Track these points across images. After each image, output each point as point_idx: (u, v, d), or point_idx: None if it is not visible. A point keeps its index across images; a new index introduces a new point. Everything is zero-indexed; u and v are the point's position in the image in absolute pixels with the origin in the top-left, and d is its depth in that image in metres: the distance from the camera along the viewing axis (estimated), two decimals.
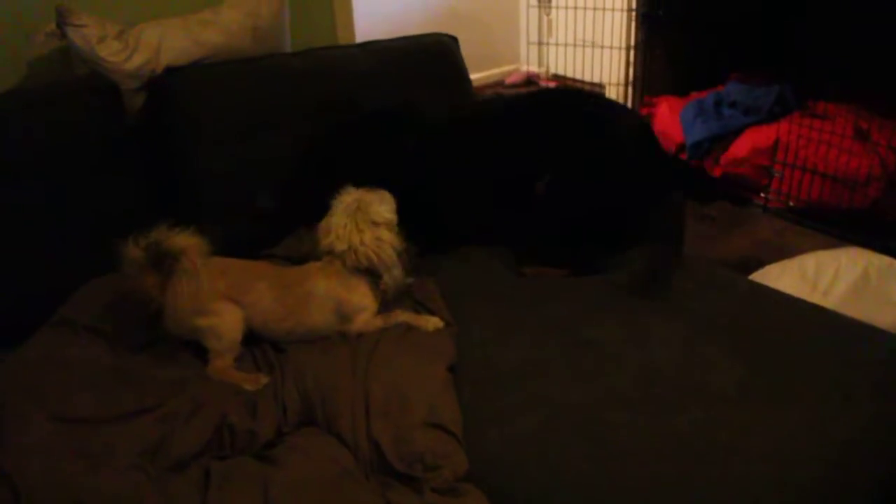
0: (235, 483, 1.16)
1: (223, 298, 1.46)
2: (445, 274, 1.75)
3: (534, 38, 3.93)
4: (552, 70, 4.82)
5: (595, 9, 3.52)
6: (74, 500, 1.13)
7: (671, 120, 3.44)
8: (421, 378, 1.36)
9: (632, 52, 3.51)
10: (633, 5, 3.39)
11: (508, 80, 5.08)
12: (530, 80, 5.02)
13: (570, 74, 4.34)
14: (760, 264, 2.39)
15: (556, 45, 3.77)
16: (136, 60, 1.90)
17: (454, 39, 2.37)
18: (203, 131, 1.89)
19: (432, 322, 1.53)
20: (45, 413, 1.30)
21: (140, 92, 1.93)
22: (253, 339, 1.51)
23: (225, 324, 1.45)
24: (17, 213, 1.67)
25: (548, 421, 1.29)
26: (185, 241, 1.40)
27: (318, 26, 2.43)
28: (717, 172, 3.21)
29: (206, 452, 1.24)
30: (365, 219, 1.53)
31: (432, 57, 2.28)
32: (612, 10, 3.45)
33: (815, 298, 1.83)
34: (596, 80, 3.88)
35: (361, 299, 1.53)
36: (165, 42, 1.93)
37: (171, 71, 1.93)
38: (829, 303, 1.97)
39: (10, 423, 1.28)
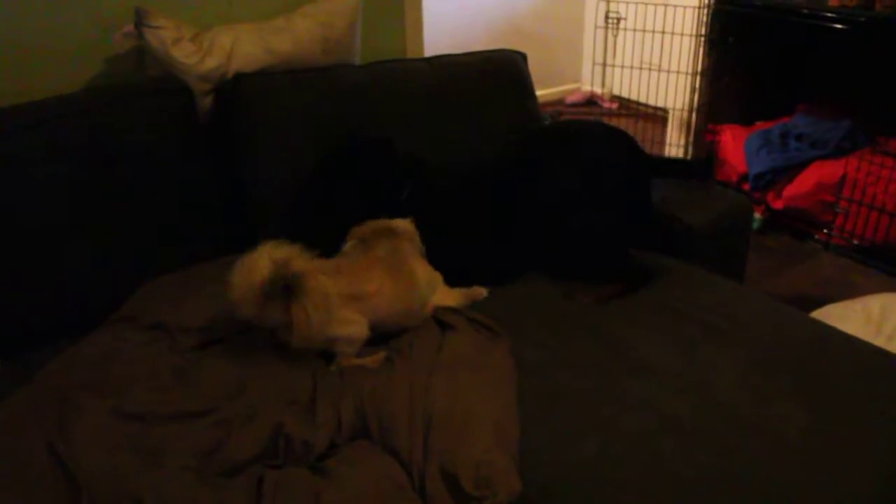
0: (288, 493, 1.16)
1: (347, 303, 1.48)
2: (492, 294, 1.75)
3: (598, 58, 3.90)
4: (614, 91, 4.80)
5: (664, 32, 3.49)
6: (131, 495, 1.15)
7: (734, 149, 3.40)
8: (484, 397, 1.35)
9: (698, 78, 3.46)
10: (704, 31, 3.34)
11: (569, 99, 5.07)
12: (591, 100, 5.01)
13: (632, 97, 4.31)
14: (821, 302, 2.34)
15: (622, 67, 3.73)
16: (209, 64, 1.94)
17: (522, 56, 2.35)
18: (264, 140, 1.91)
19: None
20: (104, 407, 1.32)
21: (209, 95, 1.97)
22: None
23: (356, 329, 1.49)
24: (86, 208, 1.71)
25: (603, 447, 1.27)
26: (304, 263, 1.42)
27: (389, 39, 2.45)
28: (778, 205, 3.15)
29: (260, 460, 1.25)
30: None
31: (499, 73, 2.26)
32: (681, 34, 3.41)
33: (879, 342, 1.78)
34: (659, 104, 3.84)
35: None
36: (238, 47, 1.97)
37: (239, 77, 1.95)
38: (895, 347, 1.91)
39: (72, 415, 1.31)
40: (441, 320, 1.61)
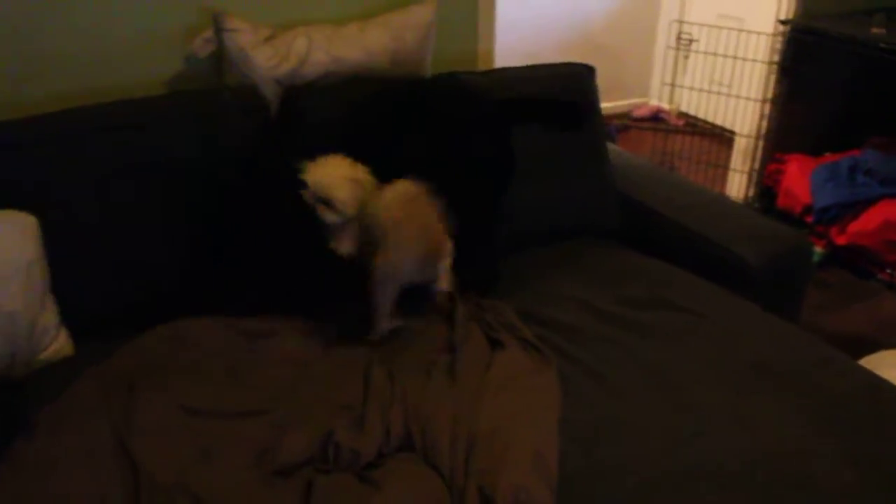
0: (336, 499, 1.21)
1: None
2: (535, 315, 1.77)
3: (667, 77, 3.88)
4: (682, 108, 4.76)
5: (735, 57, 3.45)
6: (188, 487, 1.21)
7: (800, 179, 3.34)
8: (527, 422, 1.37)
9: (767, 105, 3.42)
10: (777, 58, 3.30)
11: (636, 113, 5.05)
12: (657, 115, 4.98)
13: (700, 115, 4.28)
14: (877, 345, 2.30)
15: (690, 89, 3.71)
16: (284, 68, 1.98)
17: (590, 70, 2.32)
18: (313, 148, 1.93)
19: None
20: (167, 400, 1.40)
21: (277, 98, 2.01)
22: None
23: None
24: (158, 208, 1.80)
25: (641, 486, 1.28)
26: None
27: (460, 48, 2.47)
28: (842, 241, 3.10)
29: (310, 464, 1.30)
30: None
31: (565, 88, 2.24)
32: (754, 60, 3.37)
33: None
34: (727, 126, 3.80)
35: None
36: (311, 54, 2.01)
37: (302, 84, 2.00)
38: None
39: (136, 405, 1.38)
40: (491, 337, 1.64)
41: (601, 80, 2.36)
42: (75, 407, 1.40)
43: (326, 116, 1.94)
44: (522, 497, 1.21)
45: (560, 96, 2.15)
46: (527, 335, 1.64)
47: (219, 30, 1.94)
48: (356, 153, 1.66)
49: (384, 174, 1.68)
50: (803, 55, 3.27)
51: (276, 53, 1.97)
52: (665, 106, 4.89)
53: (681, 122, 4.80)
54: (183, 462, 1.26)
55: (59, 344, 1.64)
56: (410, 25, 2.12)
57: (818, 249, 3.10)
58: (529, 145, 2.11)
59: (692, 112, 4.56)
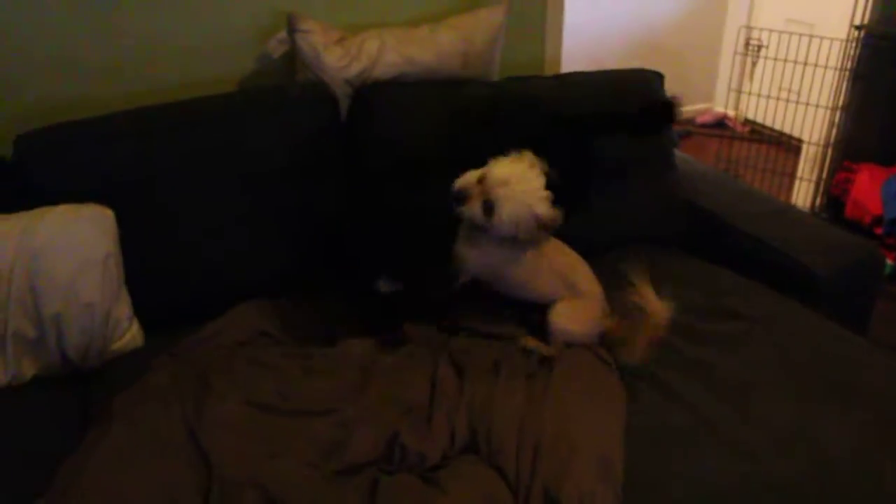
0: (401, 499, 1.23)
1: None
2: None
3: (733, 83, 3.81)
4: (748, 115, 4.68)
5: (806, 64, 3.37)
6: (256, 481, 1.24)
7: (871, 190, 3.25)
8: (593, 427, 1.38)
9: (838, 113, 3.33)
10: (850, 64, 3.22)
11: (699, 119, 4.98)
12: (722, 121, 4.90)
13: (766, 123, 4.19)
14: None
15: (759, 95, 3.64)
16: (355, 68, 2.01)
17: (659, 77, 2.30)
18: (386, 150, 1.98)
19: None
20: (237, 394, 1.43)
21: (348, 99, 2.04)
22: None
23: None
24: (226, 204, 1.84)
25: (707, 497, 1.27)
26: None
27: (527, 53, 2.48)
28: None
29: (375, 463, 1.32)
30: None
31: (632, 93, 2.23)
32: (825, 67, 3.29)
33: None
34: (795, 134, 3.72)
35: None
36: (382, 55, 2.03)
37: (374, 85, 2.03)
38: None
39: (207, 397, 1.42)
40: None
41: (665, 85, 2.33)
42: (148, 398, 1.44)
43: (400, 122, 1.98)
44: (588, 502, 1.21)
45: (632, 107, 2.13)
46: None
47: (292, 30, 1.98)
48: (430, 163, 1.69)
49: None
50: (878, 61, 3.18)
51: (346, 54, 2.01)
52: (730, 112, 4.80)
53: (746, 129, 4.71)
54: (252, 457, 1.29)
55: (131, 335, 1.70)
56: (481, 28, 2.13)
57: (889, 262, 3.02)
58: (595, 148, 2.11)
59: (758, 119, 4.46)
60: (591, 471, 1.27)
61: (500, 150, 1.67)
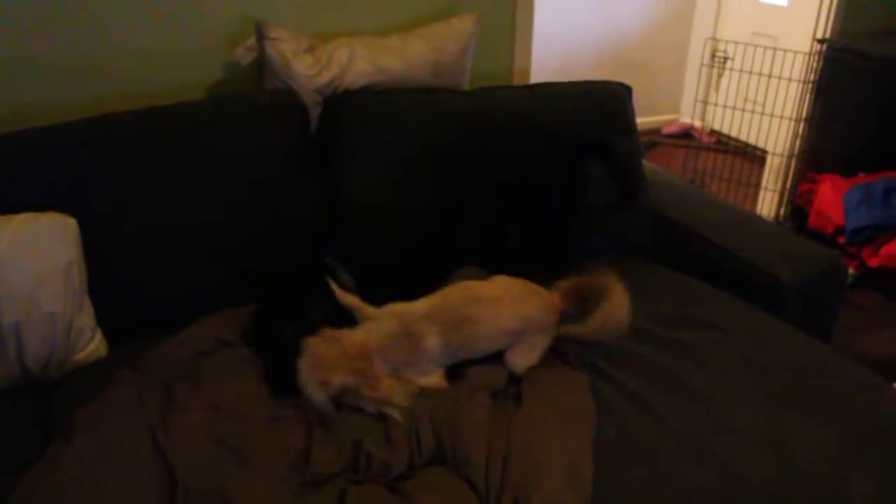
0: None
1: None
2: None
3: (699, 95, 3.86)
4: (714, 126, 4.74)
5: (770, 76, 3.43)
6: (222, 492, 1.22)
7: (833, 200, 3.31)
8: (562, 437, 1.37)
9: (802, 125, 3.39)
10: (813, 77, 3.28)
11: (665, 130, 5.04)
12: (688, 132, 4.96)
13: (732, 134, 4.26)
14: None
15: (724, 107, 3.69)
16: (325, 77, 2.00)
17: (627, 90, 2.32)
18: (358, 160, 1.96)
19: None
20: (202, 402, 1.41)
21: (319, 106, 2.03)
22: None
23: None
24: (193, 214, 1.81)
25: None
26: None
27: (497, 62, 2.48)
28: (874, 263, 3.06)
29: (342, 474, 1.30)
30: None
31: (601, 105, 2.24)
32: (790, 79, 3.35)
33: None
34: (760, 145, 3.78)
35: None
36: (353, 63, 2.03)
37: (345, 93, 2.02)
38: None
39: (173, 407, 1.39)
40: None
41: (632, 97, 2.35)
42: (112, 409, 1.41)
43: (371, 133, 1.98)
44: None
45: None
46: (566, 353, 1.64)
47: (261, 38, 1.96)
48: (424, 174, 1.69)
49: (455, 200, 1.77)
50: (839, 74, 3.25)
51: (316, 62, 2.00)
52: (696, 123, 4.87)
53: (712, 140, 4.78)
54: (218, 467, 1.27)
55: (94, 345, 1.66)
56: (451, 37, 2.13)
57: (850, 271, 3.07)
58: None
59: (723, 130, 4.53)
60: (560, 481, 1.27)
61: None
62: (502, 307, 1.57)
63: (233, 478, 1.25)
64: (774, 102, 3.45)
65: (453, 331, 1.52)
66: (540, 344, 1.60)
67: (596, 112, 2.23)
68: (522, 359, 1.58)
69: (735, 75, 3.62)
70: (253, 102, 1.95)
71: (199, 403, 1.41)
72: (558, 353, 1.63)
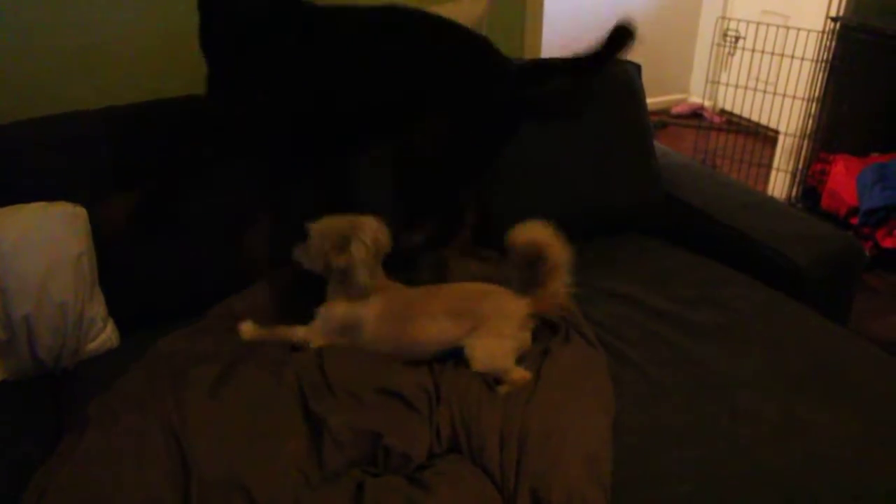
0: (387, 501, 1.20)
1: None
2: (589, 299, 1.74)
3: (709, 74, 3.82)
4: (724, 106, 4.69)
5: (783, 55, 3.38)
6: (239, 482, 1.21)
7: (846, 180, 3.27)
8: (581, 423, 1.35)
9: (814, 104, 3.35)
10: (826, 56, 3.23)
11: (675, 110, 4.99)
12: (697, 112, 4.91)
13: (743, 114, 4.21)
14: None
15: (735, 86, 3.64)
16: None
17: (637, 68, 2.29)
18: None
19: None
20: (218, 392, 1.40)
21: None
22: None
23: None
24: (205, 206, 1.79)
25: (695, 493, 1.26)
26: None
27: (507, 42, 2.44)
28: (888, 244, 3.03)
29: (359, 465, 1.29)
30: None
31: (610, 85, 2.22)
32: (802, 58, 3.31)
33: None
34: (772, 125, 3.74)
35: None
36: None
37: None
38: None
39: (189, 399, 1.38)
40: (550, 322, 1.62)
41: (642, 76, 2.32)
42: (125, 401, 1.40)
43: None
44: (576, 500, 1.19)
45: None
46: (589, 334, 1.62)
47: None
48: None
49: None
50: (853, 53, 3.20)
51: None
52: (706, 103, 4.81)
53: (721, 120, 4.73)
54: (234, 457, 1.26)
55: (105, 335, 1.65)
56: (462, 18, 2.09)
57: (865, 253, 3.04)
58: (574, 139, 2.11)
59: (734, 110, 4.48)
60: (578, 470, 1.25)
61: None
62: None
63: (249, 469, 1.24)
64: (787, 82, 3.41)
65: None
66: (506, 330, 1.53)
67: (606, 91, 2.20)
68: (483, 352, 1.50)
69: (746, 54, 3.56)
70: None
71: (214, 393, 1.39)
72: (580, 332, 1.61)
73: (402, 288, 1.62)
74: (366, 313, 1.55)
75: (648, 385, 1.51)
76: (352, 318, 1.56)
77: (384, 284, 1.60)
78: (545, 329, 1.62)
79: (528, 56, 2.50)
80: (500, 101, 1.78)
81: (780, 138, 3.63)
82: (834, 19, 3.16)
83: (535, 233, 1.56)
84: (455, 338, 1.51)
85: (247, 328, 1.60)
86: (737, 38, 3.60)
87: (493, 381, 1.46)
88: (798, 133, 3.46)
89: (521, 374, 1.47)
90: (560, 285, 1.57)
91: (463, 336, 1.51)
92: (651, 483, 1.28)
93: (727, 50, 3.66)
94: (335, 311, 1.57)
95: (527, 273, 1.57)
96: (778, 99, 3.48)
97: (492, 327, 1.51)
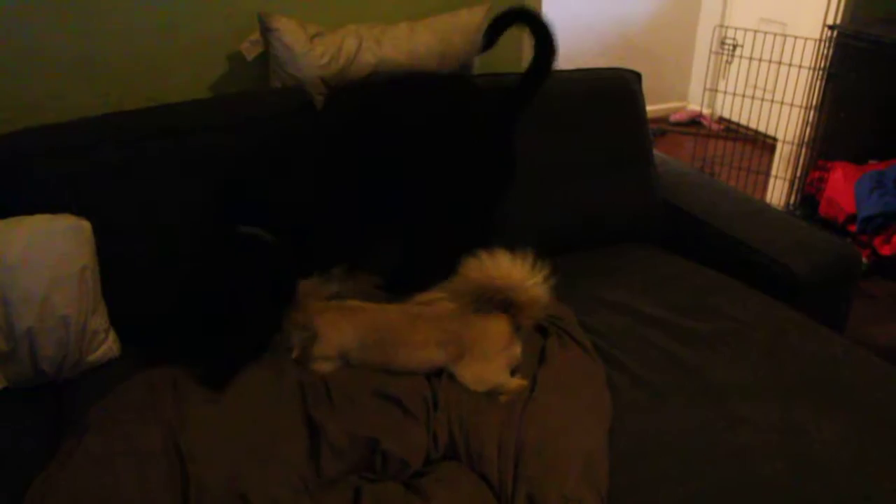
0: None
1: None
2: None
3: (707, 82, 3.83)
4: (722, 114, 4.71)
5: (781, 63, 3.40)
6: (238, 490, 1.22)
7: (844, 188, 3.29)
8: (577, 430, 1.36)
9: (812, 112, 3.36)
10: (823, 63, 3.25)
11: (673, 118, 5.01)
12: (695, 119, 4.93)
13: (741, 122, 4.22)
14: None
15: (733, 94, 3.65)
16: (333, 68, 1.98)
17: (637, 76, 2.29)
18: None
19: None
20: (217, 397, 1.40)
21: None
22: None
23: None
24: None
25: (692, 499, 1.27)
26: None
27: (506, 50, 2.44)
28: (886, 251, 3.04)
29: (356, 471, 1.30)
30: None
31: (610, 94, 2.23)
32: (799, 66, 3.32)
33: None
34: (770, 132, 3.75)
35: None
36: (360, 55, 2.01)
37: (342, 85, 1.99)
38: None
39: (189, 404, 1.39)
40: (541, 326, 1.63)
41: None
42: (125, 406, 1.41)
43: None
44: None
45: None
46: (585, 342, 1.63)
47: (265, 30, 1.94)
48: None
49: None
50: (850, 61, 3.22)
51: (325, 52, 1.96)
52: (704, 111, 4.84)
53: (720, 128, 4.75)
54: (232, 462, 1.27)
55: (107, 346, 1.65)
56: (459, 28, 2.11)
57: (863, 260, 3.05)
58: (574, 147, 2.12)
59: (732, 117, 4.50)
60: (575, 476, 1.26)
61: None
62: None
63: (248, 474, 1.25)
64: (784, 89, 3.42)
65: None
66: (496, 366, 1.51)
67: (606, 99, 2.21)
68: (474, 377, 1.50)
69: (744, 62, 3.58)
70: (262, 103, 1.93)
71: (213, 398, 1.40)
72: (577, 341, 1.62)
73: (377, 309, 1.60)
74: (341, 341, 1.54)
75: (645, 392, 1.52)
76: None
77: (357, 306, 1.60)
78: (535, 333, 1.63)
79: (526, 66, 2.49)
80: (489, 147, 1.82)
81: (779, 146, 3.65)
82: (831, 27, 3.17)
83: (499, 270, 1.52)
84: (443, 363, 1.52)
85: None
86: (735, 46, 3.61)
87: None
88: (796, 140, 3.47)
89: (517, 383, 1.48)
90: (537, 307, 1.55)
91: (451, 362, 1.51)
92: (647, 489, 1.29)
93: (725, 58, 3.68)
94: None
95: (482, 303, 1.55)
96: (776, 106, 3.49)
97: (477, 353, 1.50)
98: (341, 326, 1.53)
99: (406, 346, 1.52)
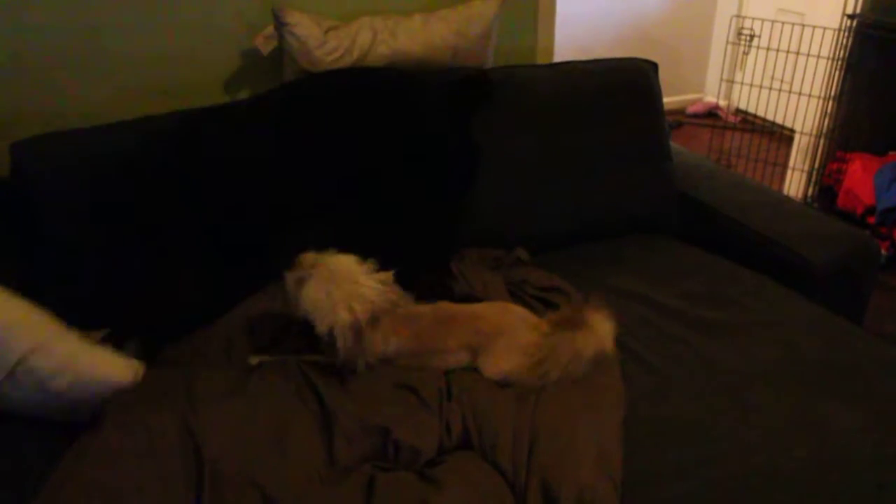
0: (397, 497, 1.21)
1: None
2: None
3: (724, 73, 3.80)
4: (739, 105, 4.68)
5: (799, 53, 3.36)
6: (252, 478, 1.22)
7: (863, 179, 3.25)
8: (591, 419, 1.36)
9: (831, 103, 3.33)
10: (842, 53, 3.21)
11: (690, 109, 4.98)
12: (712, 111, 4.89)
13: (758, 113, 4.19)
14: None
15: (750, 85, 3.62)
16: (347, 61, 1.98)
17: (653, 67, 2.28)
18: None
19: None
20: (233, 389, 1.41)
21: None
22: None
23: None
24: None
25: (705, 490, 1.26)
26: None
27: (520, 42, 2.45)
28: None
29: (369, 460, 1.31)
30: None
31: (625, 84, 2.21)
32: (818, 56, 3.28)
33: None
34: (787, 124, 3.72)
35: None
36: (374, 48, 2.01)
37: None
38: None
39: (204, 396, 1.39)
40: None
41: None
42: (141, 398, 1.41)
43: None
44: (587, 496, 1.20)
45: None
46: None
47: (279, 24, 1.95)
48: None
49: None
50: (869, 50, 3.18)
51: (339, 46, 1.97)
52: (721, 102, 4.80)
53: (737, 119, 4.71)
54: (247, 452, 1.27)
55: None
56: (474, 20, 2.10)
57: (882, 252, 3.02)
58: (590, 140, 2.11)
59: (749, 109, 4.46)
60: (589, 465, 1.25)
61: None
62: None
63: (262, 464, 1.25)
64: (802, 80, 3.39)
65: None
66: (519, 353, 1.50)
67: (622, 90, 2.20)
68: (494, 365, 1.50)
69: (761, 53, 3.55)
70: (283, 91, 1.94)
71: (228, 389, 1.41)
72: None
73: (415, 316, 1.56)
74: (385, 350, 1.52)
75: (659, 381, 1.52)
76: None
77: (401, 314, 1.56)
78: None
79: (541, 59, 2.50)
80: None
81: (796, 137, 3.61)
82: (850, 16, 3.14)
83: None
84: (472, 363, 1.53)
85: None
86: (752, 37, 3.58)
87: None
88: (814, 132, 3.44)
89: (533, 373, 1.47)
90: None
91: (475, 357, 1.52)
92: (661, 478, 1.29)
93: (742, 49, 3.65)
94: None
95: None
96: (794, 97, 3.46)
97: (500, 345, 1.50)
98: (388, 338, 1.50)
99: (440, 353, 1.52)
